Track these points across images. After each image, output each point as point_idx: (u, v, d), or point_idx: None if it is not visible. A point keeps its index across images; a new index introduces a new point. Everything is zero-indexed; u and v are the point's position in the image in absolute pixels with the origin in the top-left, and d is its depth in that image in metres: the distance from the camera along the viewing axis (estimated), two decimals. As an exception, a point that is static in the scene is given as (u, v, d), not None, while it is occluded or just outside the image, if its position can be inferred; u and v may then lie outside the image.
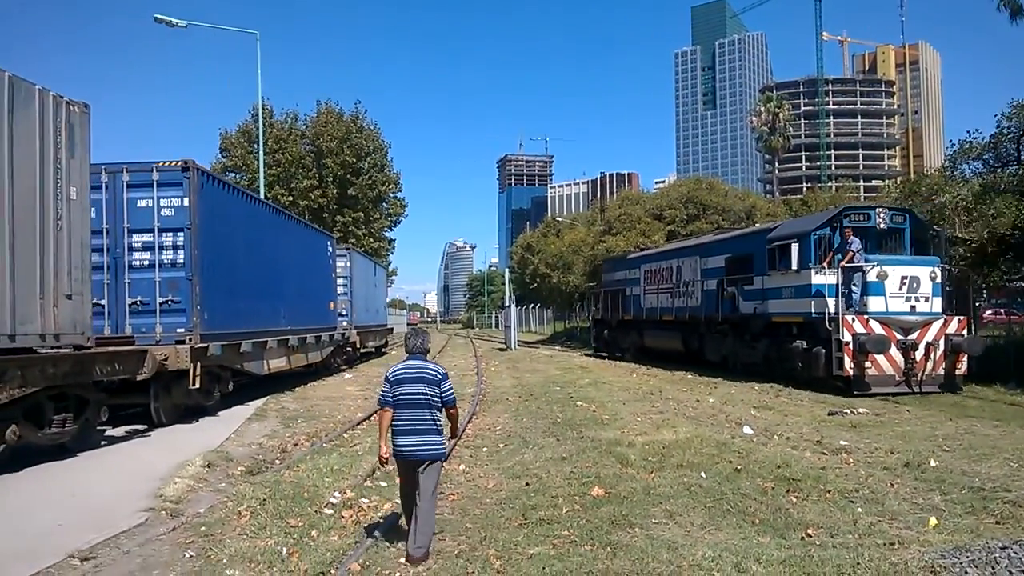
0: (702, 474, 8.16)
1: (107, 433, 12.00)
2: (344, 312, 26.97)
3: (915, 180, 25.73)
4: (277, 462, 9.89)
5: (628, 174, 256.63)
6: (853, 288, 16.44)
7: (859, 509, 6.86)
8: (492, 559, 5.61)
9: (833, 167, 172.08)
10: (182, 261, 13.34)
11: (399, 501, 6.39)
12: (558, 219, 78.93)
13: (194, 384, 12.82)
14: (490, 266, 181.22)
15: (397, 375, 5.84)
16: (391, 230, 51.86)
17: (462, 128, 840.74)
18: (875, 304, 16.26)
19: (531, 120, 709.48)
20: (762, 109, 68.08)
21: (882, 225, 17.47)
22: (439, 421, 5.86)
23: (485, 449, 10.57)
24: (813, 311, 16.85)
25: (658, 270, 26.71)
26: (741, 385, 18.04)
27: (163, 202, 13.36)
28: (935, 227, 18.93)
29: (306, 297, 21.15)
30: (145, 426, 12.74)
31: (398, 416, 5.77)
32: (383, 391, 5.86)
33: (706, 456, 9.04)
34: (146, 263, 13.30)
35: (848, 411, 13.43)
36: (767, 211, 41.96)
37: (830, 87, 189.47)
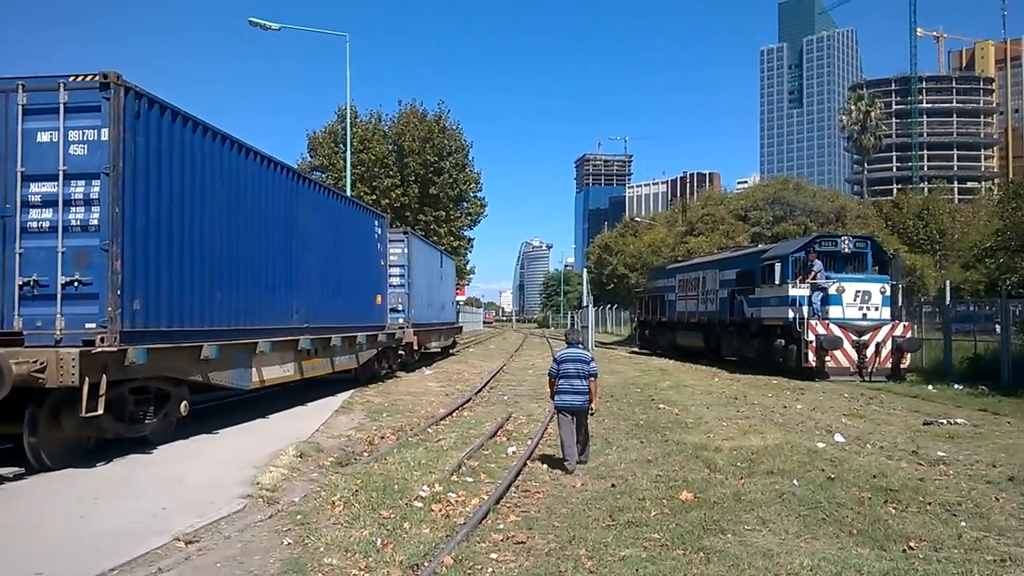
0: (794, 481, 7.97)
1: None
2: (400, 307, 23.56)
3: (1019, 182, 24.51)
4: (365, 454, 10.10)
5: (710, 174, 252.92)
6: (817, 300, 21.02)
7: (963, 523, 6.60)
8: (583, 559, 5.61)
9: (926, 168, 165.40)
10: (96, 223, 9.05)
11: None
12: (637, 219, 78.25)
13: (91, 409, 8.59)
14: (566, 266, 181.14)
15: (563, 356, 9.19)
16: (470, 229, 52.36)
17: (540, 128, 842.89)
18: (834, 312, 20.94)
19: (610, 119, 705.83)
20: (852, 108, 66.11)
21: (847, 250, 22.30)
22: (587, 387, 8.97)
23: (568, 449, 10.55)
24: (790, 316, 21.23)
25: (689, 279, 31.39)
26: (830, 392, 17.60)
27: (72, 135, 9.19)
28: (891, 252, 24.94)
29: (337, 288, 16.90)
30: (21, 470, 8.73)
31: (561, 383, 9.04)
32: (552, 367, 9.20)
33: (797, 463, 8.82)
34: (47, 226, 9.17)
35: (944, 421, 12.93)
36: (857, 213, 40.77)
37: (924, 85, 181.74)
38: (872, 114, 64.73)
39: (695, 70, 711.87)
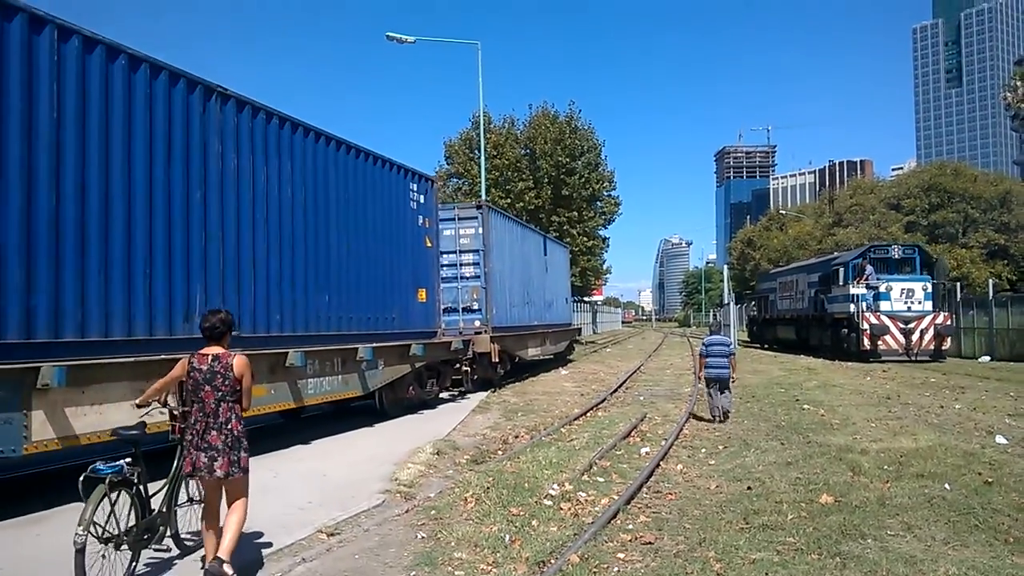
0: (946, 485, 7.49)
1: None
2: (475, 306, 18.63)
3: None
4: (499, 453, 10.30)
5: (860, 161, 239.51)
6: (870, 296, 26.24)
7: None
8: (712, 561, 5.51)
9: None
10: None
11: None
12: (782, 212, 75.37)
13: None
14: (707, 263, 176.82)
15: (709, 341, 13.06)
16: (605, 228, 52.00)
17: (676, 123, 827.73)
18: (884, 306, 26.13)
19: (751, 109, 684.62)
20: (1018, 83, 60.81)
21: (896, 255, 27.71)
22: (727, 362, 12.72)
23: (704, 451, 10.36)
24: (851, 310, 26.69)
25: (786, 282, 37.21)
26: (993, 391, 16.34)
27: None
28: (935, 256, 30.54)
29: (316, 276, 11.60)
30: None
31: (708, 360, 12.77)
32: (701, 348, 13.20)
33: (950, 467, 8.29)
34: None
35: None
36: (1025, 197, 37.51)
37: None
38: (1042, 88, 59.32)
39: (842, 53, 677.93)
